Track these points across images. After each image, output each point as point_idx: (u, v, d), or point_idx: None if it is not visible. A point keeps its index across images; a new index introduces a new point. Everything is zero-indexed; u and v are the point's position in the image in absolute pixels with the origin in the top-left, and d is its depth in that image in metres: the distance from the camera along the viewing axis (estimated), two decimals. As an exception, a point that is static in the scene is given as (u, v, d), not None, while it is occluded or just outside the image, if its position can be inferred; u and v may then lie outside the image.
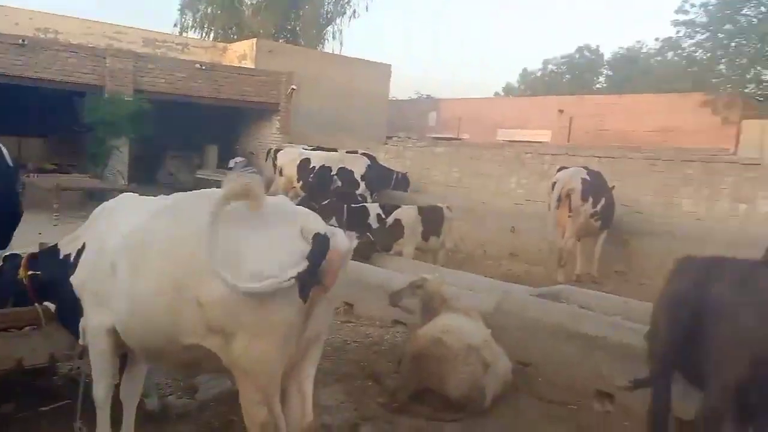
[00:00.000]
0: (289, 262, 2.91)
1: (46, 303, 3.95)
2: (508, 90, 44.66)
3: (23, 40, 14.14)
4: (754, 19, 19.12)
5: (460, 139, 21.97)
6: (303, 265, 2.89)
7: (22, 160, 16.14)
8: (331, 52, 30.23)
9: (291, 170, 12.60)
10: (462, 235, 11.74)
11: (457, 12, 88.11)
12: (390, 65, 24.08)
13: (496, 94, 43.43)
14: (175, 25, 31.32)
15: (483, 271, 10.11)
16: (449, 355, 4.43)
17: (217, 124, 18.75)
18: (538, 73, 43.73)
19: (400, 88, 42.34)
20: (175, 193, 3.70)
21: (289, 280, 2.85)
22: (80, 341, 3.84)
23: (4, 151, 5.19)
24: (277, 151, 13.47)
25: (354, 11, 32.52)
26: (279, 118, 18.18)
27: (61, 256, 3.91)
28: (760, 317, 3.23)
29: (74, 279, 3.68)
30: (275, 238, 3.05)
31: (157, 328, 3.23)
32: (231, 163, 17.75)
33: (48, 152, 16.72)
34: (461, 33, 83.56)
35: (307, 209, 3.54)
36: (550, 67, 43.22)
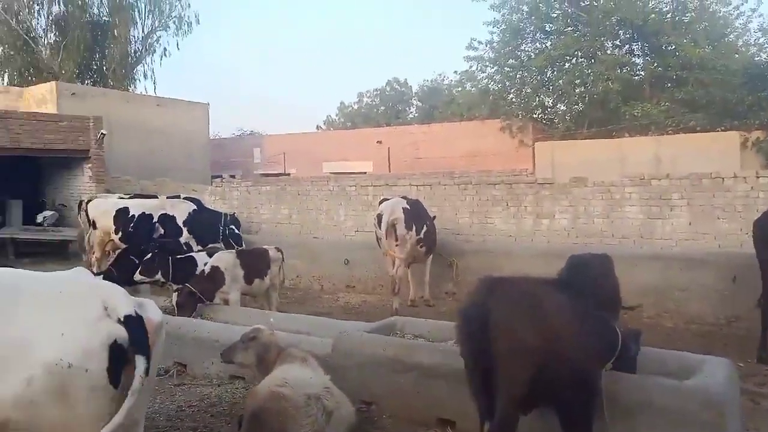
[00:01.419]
0: (93, 344, 2.73)
1: None
2: (329, 123, 45.73)
3: None
4: (532, 54, 21.85)
5: (287, 174, 22.02)
6: (139, 363, 2.74)
7: None
8: (143, 92, 28.92)
9: (107, 222, 11.74)
10: (298, 271, 11.75)
11: (273, 48, 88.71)
12: (208, 104, 23.58)
13: (318, 127, 44.27)
14: (-37, 69, 28.03)
15: (321, 306, 10.22)
16: (289, 408, 4.38)
17: (20, 177, 16.97)
18: (355, 106, 45.42)
19: (221, 127, 41.49)
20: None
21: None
22: None
23: None
24: (88, 202, 12.48)
25: (164, 49, 31.45)
26: (90, 165, 16.87)
27: None
28: (534, 331, 3.52)
29: None
30: (73, 319, 2.81)
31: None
32: (39, 218, 16.15)
33: None
34: (279, 68, 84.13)
35: (108, 282, 3.32)
36: (365, 99, 45.16)
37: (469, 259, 10.38)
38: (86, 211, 12.23)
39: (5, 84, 26.59)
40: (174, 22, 31.14)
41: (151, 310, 3.13)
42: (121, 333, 2.81)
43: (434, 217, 10.57)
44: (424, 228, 9.92)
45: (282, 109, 68.30)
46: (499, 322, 3.57)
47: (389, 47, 78.59)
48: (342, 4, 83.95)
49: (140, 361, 2.77)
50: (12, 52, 28.74)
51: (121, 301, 2.98)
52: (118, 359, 2.78)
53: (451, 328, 6.11)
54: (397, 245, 9.54)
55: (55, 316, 2.80)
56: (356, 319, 7.82)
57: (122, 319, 2.83)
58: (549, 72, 21.66)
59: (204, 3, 58.01)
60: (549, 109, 23.50)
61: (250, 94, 76.24)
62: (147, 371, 2.78)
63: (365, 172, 19.98)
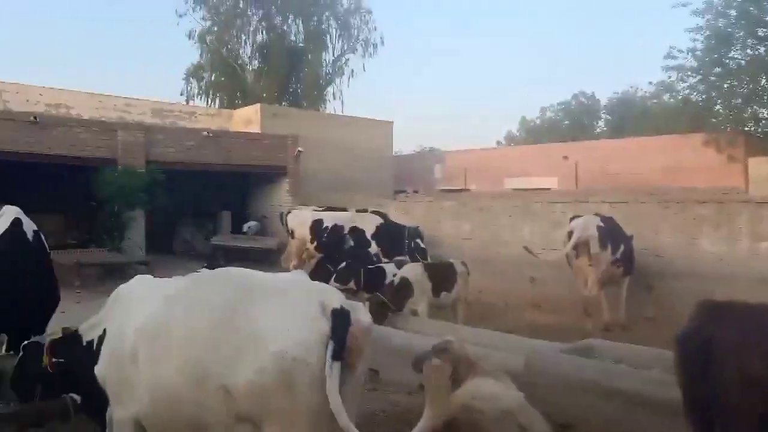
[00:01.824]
0: (313, 341, 2.88)
1: (71, 394, 3.88)
2: (510, 138, 45.20)
3: (35, 117, 14.44)
4: (742, 61, 19.62)
5: (467, 190, 22.06)
6: (330, 347, 2.84)
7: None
8: (333, 112, 30.83)
9: (303, 232, 12.62)
10: (481, 287, 11.62)
11: (451, 64, 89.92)
12: (392, 122, 24.50)
13: (499, 143, 43.95)
14: (182, 94, 32.15)
15: (505, 323, 9.96)
16: (483, 422, 4.29)
17: (229, 190, 18.95)
18: (537, 121, 44.39)
19: (403, 143, 42.88)
20: (190, 275, 3.65)
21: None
22: (107, 432, 3.76)
23: (26, 225, 5.16)
24: (287, 213, 13.53)
25: (352, 71, 33.35)
26: (288, 180, 18.37)
27: (83, 343, 3.85)
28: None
29: (98, 369, 3.61)
30: (297, 316, 3.01)
31: (182, 418, 3.14)
32: (245, 228, 17.84)
33: (66, 228, 16.79)
34: (458, 85, 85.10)
35: (325, 285, 3.50)
36: (548, 114, 43.94)
37: (672, 282, 9.54)
38: (286, 221, 13.26)
39: (216, 107, 29.86)
40: (361, 45, 33.01)
41: (362, 313, 3.23)
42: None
43: (632, 236, 9.86)
44: (621, 247, 9.31)
45: (461, 126, 68.97)
46: (726, 352, 3.20)
47: (573, 60, 75.90)
48: (524, 19, 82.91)
49: (331, 346, 2.86)
50: (222, 79, 32.34)
51: (336, 300, 3.11)
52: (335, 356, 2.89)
53: (655, 354, 5.66)
54: (590, 265, 9.05)
55: (282, 313, 3.00)
56: (544, 338, 7.50)
57: (330, 312, 2.95)
58: (763, 80, 19.34)
59: (388, 25, 60.54)
60: (764, 121, 20.97)
61: (430, 111, 78.07)
62: (338, 357, 2.86)
63: (549, 188, 19.35)
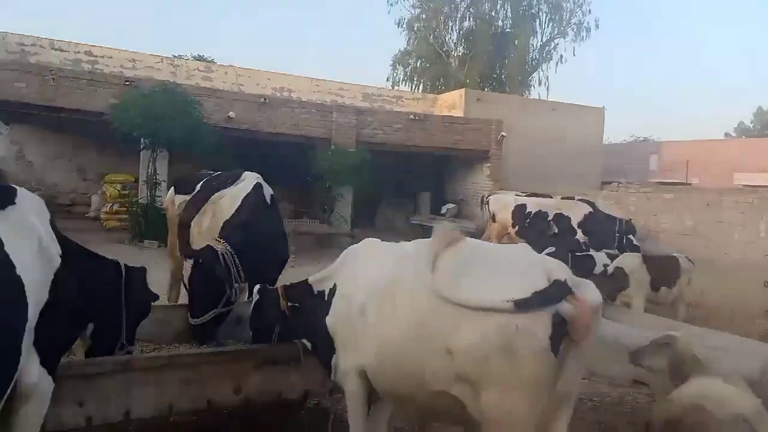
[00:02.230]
0: (540, 313, 2.80)
1: (303, 340, 4.17)
2: (742, 130, 40.30)
3: (264, 99, 16.03)
4: None
5: (689, 184, 20.10)
6: (532, 297, 2.79)
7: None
8: (536, 97, 29.95)
9: (505, 216, 12.44)
10: (702, 288, 10.53)
11: (673, 52, 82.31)
12: (603, 108, 23.10)
13: (727, 135, 39.44)
14: (388, 79, 33.48)
15: (733, 329, 8.88)
16: (712, 424, 3.85)
17: (429, 172, 19.37)
18: (777, 113, 39.02)
19: (612, 132, 40.33)
20: (416, 240, 3.73)
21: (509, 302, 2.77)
22: (332, 378, 4.00)
23: (265, 189, 5.74)
24: (489, 197, 13.43)
25: (561, 56, 32.07)
26: (489, 165, 18.25)
27: (314, 292, 4.11)
28: None
29: (329, 319, 3.83)
30: (524, 287, 2.93)
31: (405, 373, 3.23)
32: (443, 209, 18.12)
33: (283, 200, 18.44)
34: (678, 73, 77.77)
35: (553, 258, 3.37)
36: (790, 105, 38.39)
37: None
38: (487, 205, 13.19)
39: (420, 92, 30.59)
40: (572, 29, 31.55)
41: (590, 290, 3.09)
42: (563, 306, 2.83)
43: None
44: None
45: (681, 116, 63.09)
46: None
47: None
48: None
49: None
50: (427, 65, 33.01)
51: (562, 273, 2.99)
52: (559, 329, 2.82)
53: None
54: None
55: (509, 282, 2.95)
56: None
57: (552, 282, 2.88)
58: None
59: (604, 6, 57.22)
60: None
61: (644, 99, 72.50)
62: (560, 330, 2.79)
63: (788, 186, 16.88)
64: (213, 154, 13.33)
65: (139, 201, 13.84)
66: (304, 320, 4.11)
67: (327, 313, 3.86)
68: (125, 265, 3.73)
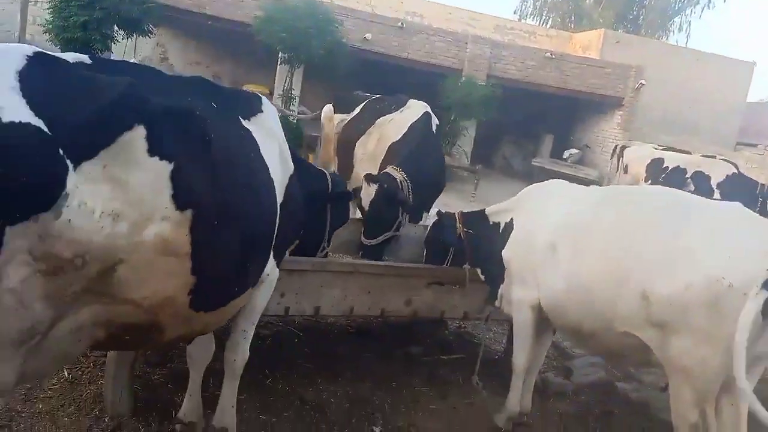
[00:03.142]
0: (755, 274, 2.74)
1: (467, 266, 4.40)
2: None
3: (401, 24, 15.92)
4: None
5: None
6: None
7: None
8: (675, 44, 27.90)
9: (639, 168, 11.97)
10: None
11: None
12: (753, 63, 21.26)
13: None
14: (515, 12, 32.10)
15: None
16: None
17: (556, 114, 18.77)
18: None
19: (760, 91, 36.97)
20: (608, 187, 3.78)
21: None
22: (496, 304, 4.22)
23: (433, 119, 5.90)
24: (623, 147, 12.93)
25: (709, 1, 29.46)
26: (621, 113, 17.46)
27: (490, 223, 4.28)
28: None
29: (505, 252, 4.01)
30: (743, 246, 2.93)
31: (593, 312, 3.33)
32: (565, 154, 17.69)
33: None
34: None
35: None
36: None
37: None
38: (620, 155, 12.73)
39: (548, 27, 29.16)
40: (729, -28, 28.75)
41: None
42: None
43: None
44: None
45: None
46: None
47: None
48: None
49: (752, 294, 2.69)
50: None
51: None
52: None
53: None
54: None
55: (722, 239, 2.95)
56: None
57: None
58: None
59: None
60: None
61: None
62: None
63: None
64: (345, 76, 13.57)
65: (274, 114, 14.36)
66: (476, 247, 4.33)
67: (502, 246, 4.04)
68: (330, 174, 4.03)
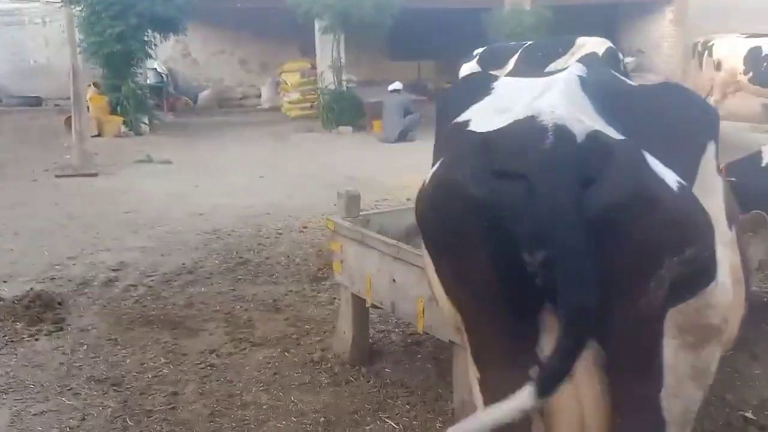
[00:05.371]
0: None
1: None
2: None
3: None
4: None
5: None
6: None
7: (422, 81, 17.56)
8: None
9: (735, 62, 11.18)
10: None
11: None
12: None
13: None
14: None
15: None
16: None
17: (600, 25, 17.71)
18: None
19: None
20: None
21: None
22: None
23: (620, 54, 5.24)
24: (706, 42, 12.05)
25: None
26: (672, 8, 16.46)
27: (762, 164, 3.83)
28: None
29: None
30: None
31: None
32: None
33: (441, 74, 17.74)
34: None
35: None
36: None
37: None
38: (705, 52, 11.90)
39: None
40: None
41: None
42: None
43: None
44: None
45: None
46: None
47: None
48: None
49: None
50: None
51: None
52: None
53: None
54: None
55: None
56: None
57: None
58: None
59: None
60: None
61: None
62: None
63: None
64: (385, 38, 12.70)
65: (328, 87, 13.63)
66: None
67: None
68: None
